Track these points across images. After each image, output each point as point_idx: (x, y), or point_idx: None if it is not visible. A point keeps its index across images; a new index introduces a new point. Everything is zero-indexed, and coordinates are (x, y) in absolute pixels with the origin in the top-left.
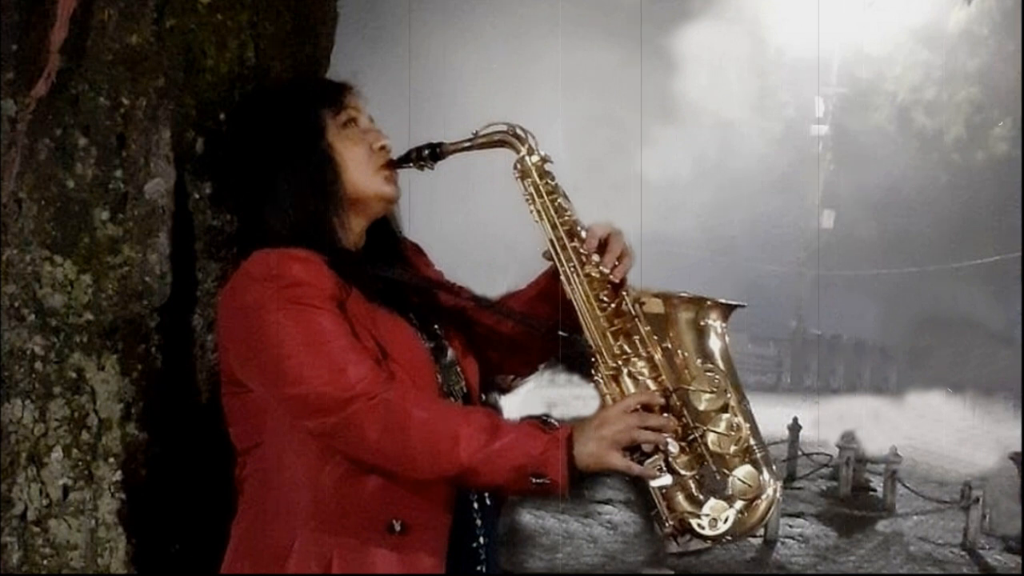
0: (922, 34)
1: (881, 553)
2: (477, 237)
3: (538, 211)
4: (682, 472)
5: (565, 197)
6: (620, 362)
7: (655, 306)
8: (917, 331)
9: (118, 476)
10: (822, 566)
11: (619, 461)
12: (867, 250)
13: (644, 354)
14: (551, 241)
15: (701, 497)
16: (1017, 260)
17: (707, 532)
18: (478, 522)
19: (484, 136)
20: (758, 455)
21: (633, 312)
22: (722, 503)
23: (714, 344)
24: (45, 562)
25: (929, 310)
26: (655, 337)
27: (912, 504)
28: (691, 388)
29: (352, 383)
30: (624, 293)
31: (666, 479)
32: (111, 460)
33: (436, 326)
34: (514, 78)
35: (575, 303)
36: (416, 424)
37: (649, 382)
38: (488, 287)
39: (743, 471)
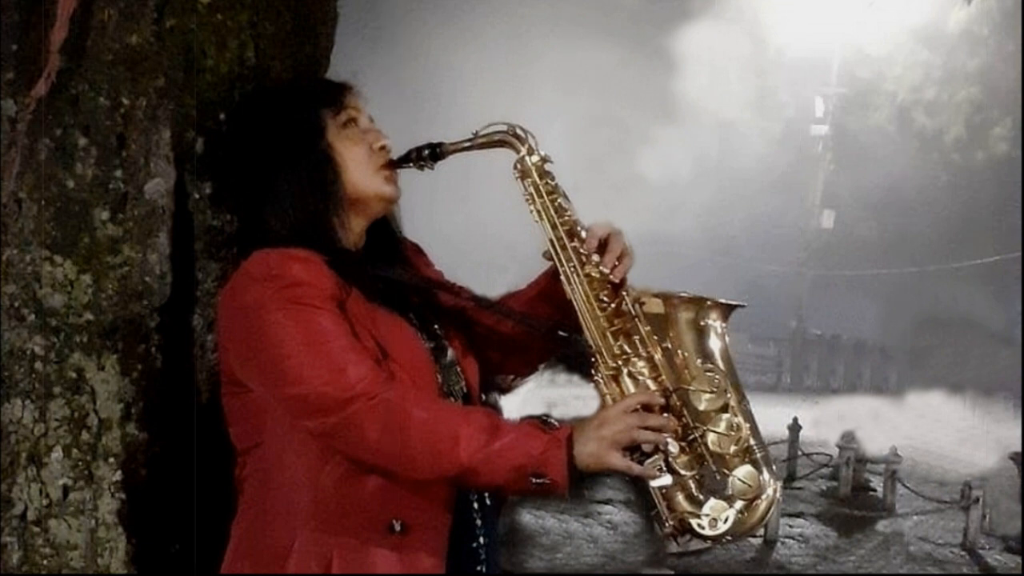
0: (922, 34)
1: (881, 553)
2: (477, 237)
3: (538, 211)
4: (682, 472)
5: (565, 197)
6: (620, 362)
7: (655, 306)
8: (917, 331)
9: (118, 476)
10: (822, 566)
11: (619, 461)
12: (867, 250)
13: (644, 354)
14: (551, 241)
15: (701, 497)
16: (1017, 260)
17: (707, 532)
18: (478, 522)
19: (484, 136)
20: (758, 455)
21: (633, 312)
22: (722, 503)
23: (714, 344)
24: (45, 562)
25: (929, 310)
26: (655, 337)
27: (912, 504)
28: (691, 388)
29: (352, 383)
30: (624, 293)
31: (666, 479)
32: (111, 460)
33: (436, 326)
34: (514, 78)
35: (575, 303)
36: (416, 424)
37: (649, 382)
38: (488, 287)
39: (743, 471)
